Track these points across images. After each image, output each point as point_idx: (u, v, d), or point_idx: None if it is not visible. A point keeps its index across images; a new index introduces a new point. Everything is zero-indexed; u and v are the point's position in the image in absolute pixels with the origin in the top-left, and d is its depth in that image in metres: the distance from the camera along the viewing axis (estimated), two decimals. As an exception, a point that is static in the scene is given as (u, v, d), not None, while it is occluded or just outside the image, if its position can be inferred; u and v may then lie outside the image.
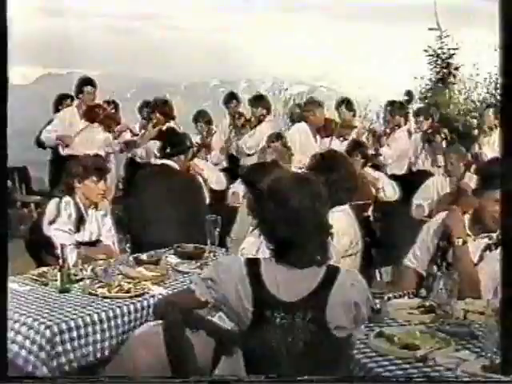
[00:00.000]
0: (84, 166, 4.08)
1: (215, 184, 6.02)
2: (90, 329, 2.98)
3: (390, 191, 5.95)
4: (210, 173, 6.07)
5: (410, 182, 6.50)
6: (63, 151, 6.75)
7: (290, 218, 2.21)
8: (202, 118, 7.20)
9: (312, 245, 2.24)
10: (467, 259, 3.19)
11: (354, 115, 7.55)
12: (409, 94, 8.53)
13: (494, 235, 3.23)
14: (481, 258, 3.23)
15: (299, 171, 4.28)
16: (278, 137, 6.32)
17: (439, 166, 6.56)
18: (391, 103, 7.57)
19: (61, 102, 7.47)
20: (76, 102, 6.97)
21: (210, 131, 7.12)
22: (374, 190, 5.89)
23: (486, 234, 3.25)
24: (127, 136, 7.00)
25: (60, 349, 2.88)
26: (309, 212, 2.23)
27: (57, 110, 7.45)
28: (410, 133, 7.40)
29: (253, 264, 2.29)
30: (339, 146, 6.66)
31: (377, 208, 5.94)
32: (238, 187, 5.30)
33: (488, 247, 3.23)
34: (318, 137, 7.08)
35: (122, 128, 6.90)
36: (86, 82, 6.89)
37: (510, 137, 2.26)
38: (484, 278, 3.13)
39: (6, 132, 2.14)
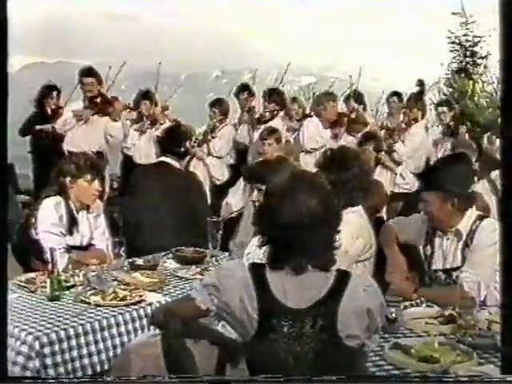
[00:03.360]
0: (76, 163, 4.05)
1: (217, 171, 6.05)
2: (82, 340, 2.98)
3: (410, 178, 5.92)
4: (213, 160, 6.11)
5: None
6: (66, 147, 6.77)
7: (293, 221, 2.22)
8: (219, 105, 7.26)
9: (315, 249, 2.25)
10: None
11: (365, 109, 7.54)
12: (420, 83, 8.49)
13: (462, 229, 3.32)
14: (463, 259, 3.29)
15: (306, 170, 4.28)
16: (271, 132, 6.30)
17: None
18: (394, 94, 7.56)
19: (46, 93, 7.48)
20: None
21: (222, 122, 7.16)
22: (387, 186, 5.86)
23: (452, 230, 3.34)
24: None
25: (49, 361, 2.87)
26: (313, 214, 2.23)
27: (40, 103, 7.47)
28: (427, 128, 7.40)
29: (258, 269, 2.29)
30: (353, 142, 6.66)
31: (391, 209, 5.95)
32: (231, 198, 5.34)
33: (465, 244, 3.29)
34: (329, 133, 7.08)
35: (118, 106, 6.91)
36: (84, 72, 6.91)
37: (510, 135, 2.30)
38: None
39: (6, 132, 2.16)
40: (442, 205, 3.26)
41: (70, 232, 3.98)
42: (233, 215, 4.98)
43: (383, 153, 6.07)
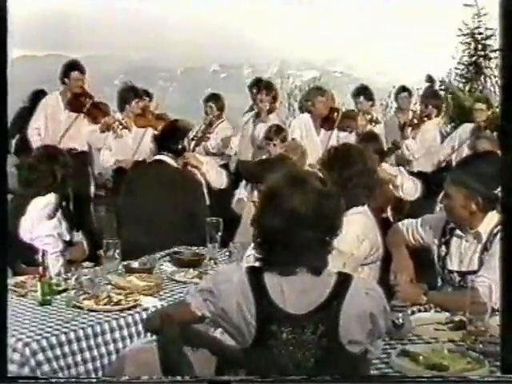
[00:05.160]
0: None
1: (215, 181, 6.02)
2: (74, 346, 2.98)
3: (409, 188, 5.92)
4: (209, 167, 6.08)
5: (440, 180, 6.49)
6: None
7: (279, 222, 2.24)
8: (215, 100, 7.28)
9: (304, 252, 2.26)
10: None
11: (373, 105, 7.55)
12: (430, 79, 8.48)
13: (482, 232, 3.30)
14: (480, 263, 3.28)
15: (300, 169, 4.28)
16: (277, 131, 6.31)
17: None
18: (404, 90, 7.54)
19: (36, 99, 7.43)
20: (61, 88, 6.94)
21: (219, 117, 7.18)
22: (392, 188, 5.87)
23: (472, 232, 3.32)
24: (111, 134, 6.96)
25: (41, 369, 2.87)
26: (299, 216, 2.24)
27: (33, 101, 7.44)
28: (440, 127, 7.40)
29: (255, 273, 2.30)
30: (345, 139, 6.65)
31: (398, 209, 5.94)
32: (243, 192, 5.36)
33: (484, 248, 3.29)
34: (322, 130, 7.07)
35: (110, 120, 6.86)
36: (73, 66, 6.87)
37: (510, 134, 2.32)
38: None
39: (7, 131, 2.18)
40: (465, 202, 3.26)
41: (68, 231, 4.04)
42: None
43: (384, 164, 6.07)
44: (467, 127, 7.10)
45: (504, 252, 2.39)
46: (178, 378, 2.35)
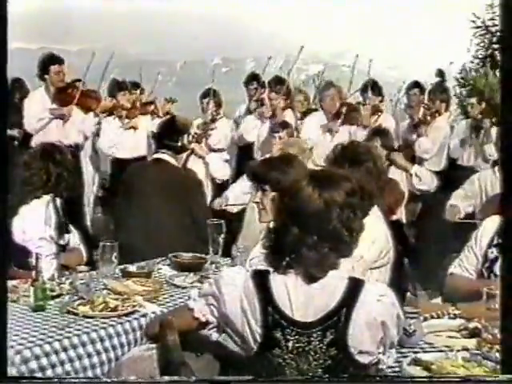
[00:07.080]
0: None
1: (218, 170, 6.06)
2: (69, 354, 2.97)
3: (426, 176, 5.87)
4: (213, 157, 6.12)
5: (450, 179, 6.50)
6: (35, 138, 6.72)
7: (296, 223, 2.23)
8: (213, 96, 7.32)
9: (313, 256, 2.25)
10: None
11: (382, 100, 7.55)
12: (440, 73, 8.47)
13: None
14: None
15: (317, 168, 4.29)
16: (283, 126, 6.31)
17: (487, 160, 6.51)
18: (415, 86, 7.53)
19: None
20: (43, 84, 6.91)
21: (218, 113, 7.22)
22: (404, 187, 5.85)
23: None
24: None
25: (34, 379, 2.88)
26: (320, 216, 2.24)
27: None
28: (450, 123, 7.39)
29: (261, 277, 2.30)
30: (358, 134, 6.66)
31: (409, 209, 5.94)
32: (230, 193, 5.40)
33: None
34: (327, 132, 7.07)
35: (108, 104, 6.88)
36: (52, 59, 6.86)
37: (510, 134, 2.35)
38: None
39: (6, 128, 2.19)
40: None
41: (63, 233, 4.05)
42: (224, 208, 5.01)
43: (395, 152, 6.05)
44: (463, 124, 7.14)
45: (504, 253, 2.39)
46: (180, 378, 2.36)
